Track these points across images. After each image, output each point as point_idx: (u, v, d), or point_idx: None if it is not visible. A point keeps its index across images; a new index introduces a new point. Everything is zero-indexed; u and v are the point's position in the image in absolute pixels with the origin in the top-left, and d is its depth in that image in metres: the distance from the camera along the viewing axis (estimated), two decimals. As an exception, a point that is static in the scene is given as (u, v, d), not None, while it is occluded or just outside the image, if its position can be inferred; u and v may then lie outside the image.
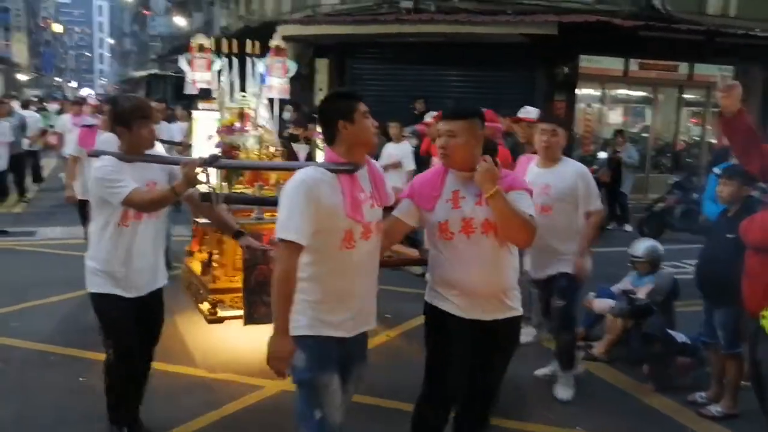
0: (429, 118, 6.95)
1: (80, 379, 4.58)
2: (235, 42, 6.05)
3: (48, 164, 15.38)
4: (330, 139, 2.85)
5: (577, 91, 14.71)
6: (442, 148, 3.03)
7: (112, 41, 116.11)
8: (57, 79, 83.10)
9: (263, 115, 5.94)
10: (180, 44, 30.93)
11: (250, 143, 5.42)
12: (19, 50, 51.01)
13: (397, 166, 7.97)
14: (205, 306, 5.15)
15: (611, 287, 5.61)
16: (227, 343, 5.30)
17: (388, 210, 3.08)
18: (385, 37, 14.32)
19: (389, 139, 8.37)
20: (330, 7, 15.89)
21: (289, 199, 2.71)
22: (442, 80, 14.51)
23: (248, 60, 6.07)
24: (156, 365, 4.61)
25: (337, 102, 2.89)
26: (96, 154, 3.55)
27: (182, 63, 6.28)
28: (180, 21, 38.72)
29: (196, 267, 5.65)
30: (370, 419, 4.12)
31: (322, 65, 16.08)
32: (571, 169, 4.40)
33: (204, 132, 5.41)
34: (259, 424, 4.11)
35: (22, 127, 12.25)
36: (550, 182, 4.32)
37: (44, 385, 4.47)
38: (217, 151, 4.97)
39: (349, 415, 3.00)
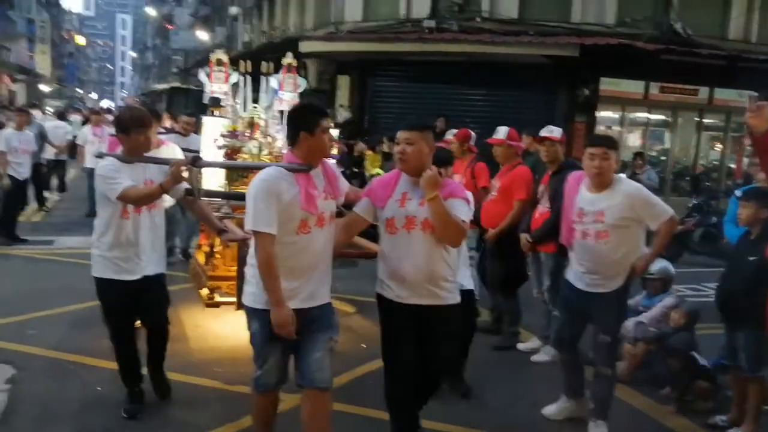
0: (450, 135, 6.92)
1: (98, 388, 4.56)
2: (249, 61, 6.68)
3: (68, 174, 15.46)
4: (292, 143, 3.41)
5: (597, 113, 14.66)
6: (400, 154, 3.52)
7: (134, 54, 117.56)
8: (79, 90, 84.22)
9: (274, 126, 6.44)
10: (202, 58, 31.26)
11: (251, 148, 5.97)
12: (43, 61, 51.72)
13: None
14: (205, 291, 5.93)
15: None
16: (245, 355, 5.24)
17: (348, 208, 3.67)
18: (407, 56, 14.39)
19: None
20: (353, 24, 15.98)
21: (254, 195, 3.25)
22: (462, 99, 14.54)
23: (262, 77, 6.72)
24: (174, 376, 4.68)
25: (304, 114, 3.41)
26: (101, 156, 4.26)
27: (202, 75, 6.97)
28: (202, 36, 39.13)
29: (201, 258, 6.50)
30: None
31: (343, 82, 16.18)
32: (623, 190, 4.03)
33: (211, 135, 6.00)
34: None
35: (41, 136, 12.39)
36: (603, 208, 4.01)
37: (62, 394, 4.45)
38: (221, 152, 5.75)
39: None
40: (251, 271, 3.36)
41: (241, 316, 3.64)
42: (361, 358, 5.36)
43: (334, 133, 6.59)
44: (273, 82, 6.78)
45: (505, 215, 5.76)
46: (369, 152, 9.41)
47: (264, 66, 6.66)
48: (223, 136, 6.04)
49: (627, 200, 3.99)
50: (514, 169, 5.88)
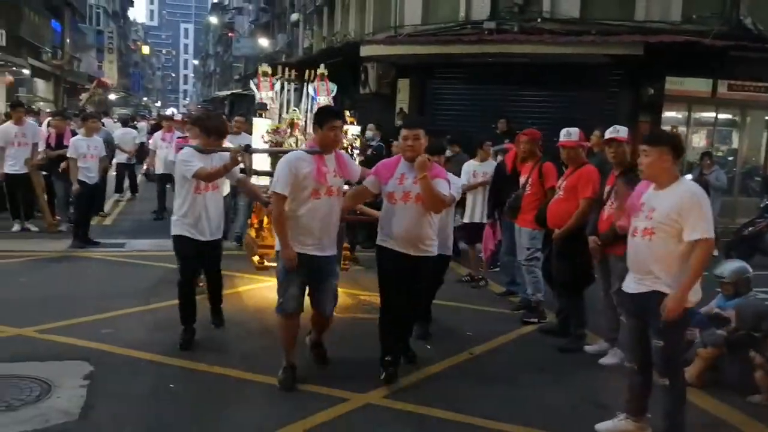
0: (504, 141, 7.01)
1: (170, 385, 4.68)
2: (292, 71, 8.14)
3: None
4: (315, 132, 4.85)
5: (661, 113, 14.28)
6: (410, 146, 4.74)
7: (196, 62, 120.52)
8: (144, 98, 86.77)
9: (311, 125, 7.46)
10: (262, 64, 31.77)
11: (291, 143, 7.29)
12: (111, 71, 53.58)
13: (485, 183, 7.88)
14: (256, 258, 7.29)
15: (699, 310, 5.36)
16: (308, 352, 5.34)
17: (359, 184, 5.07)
18: (467, 58, 14.33)
19: (472, 156, 8.31)
20: (412, 28, 16.01)
21: (279, 168, 4.72)
22: (522, 100, 14.39)
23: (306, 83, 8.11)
24: (241, 374, 4.84)
25: (320, 114, 4.91)
26: (181, 147, 5.95)
27: (252, 85, 8.35)
28: (263, 42, 39.81)
29: (253, 232, 7.89)
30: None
31: (403, 85, 16.22)
32: (679, 191, 3.90)
33: (259, 132, 7.52)
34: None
35: (108, 144, 12.81)
36: (655, 205, 3.93)
37: (136, 391, 4.58)
38: (267, 145, 7.19)
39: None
40: None
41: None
42: (428, 359, 5.38)
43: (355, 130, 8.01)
44: (310, 88, 8.11)
45: (571, 214, 5.67)
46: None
47: (306, 74, 7.96)
48: (267, 133, 7.44)
49: (679, 200, 3.83)
50: (580, 168, 5.81)
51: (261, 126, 7.65)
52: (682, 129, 15.22)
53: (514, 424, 4.29)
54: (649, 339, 3.96)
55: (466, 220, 8.17)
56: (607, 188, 5.36)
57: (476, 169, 8.06)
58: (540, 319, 6.52)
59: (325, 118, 4.74)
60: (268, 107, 7.90)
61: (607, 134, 5.40)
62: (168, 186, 10.89)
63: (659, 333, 3.88)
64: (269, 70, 8.16)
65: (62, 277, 7.77)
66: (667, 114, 14.68)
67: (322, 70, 8.18)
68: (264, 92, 8.02)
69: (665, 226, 3.84)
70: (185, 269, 5.60)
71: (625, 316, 4.30)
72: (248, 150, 5.56)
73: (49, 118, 12.11)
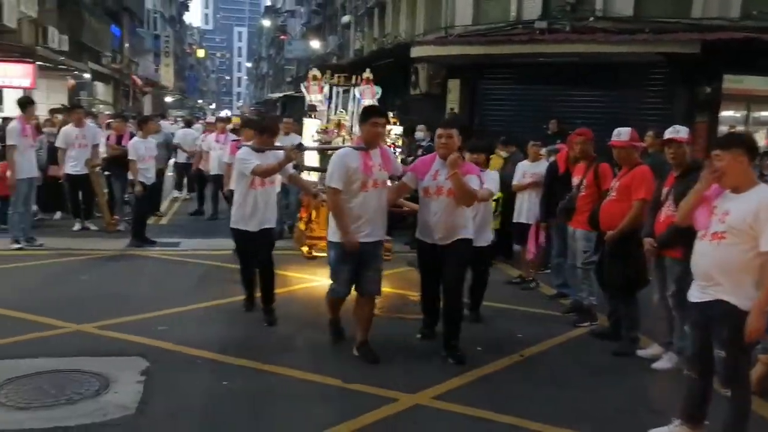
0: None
1: (224, 383, 4.76)
2: (340, 76, 9.06)
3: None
4: (360, 129, 5.49)
5: (719, 112, 13.87)
6: (443, 144, 5.26)
7: (249, 65, 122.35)
8: (199, 101, 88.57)
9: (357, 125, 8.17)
10: (314, 66, 32.13)
11: (338, 142, 7.93)
12: (167, 74, 54.85)
13: (536, 185, 7.81)
14: (305, 248, 8.19)
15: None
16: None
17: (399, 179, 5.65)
18: (517, 57, 14.21)
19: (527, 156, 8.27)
20: (463, 28, 15.95)
21: (332, 163, 5.23)
22: (574, 100, 14.20)
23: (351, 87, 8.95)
24: (291, 372, 4.92)
25: (365, 111, 5.60)
26: (239, 147, 6.58)
27: (302, 88, 9.18)
28: (315, 44, 40.18)
29: (302, 225, 8.76)
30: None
31: (454, 85, 16.18)
32: (758, 196, 3.68)
33: (309, 132, 8.33)
34: (394, 438, 4.10)
35: (166, 146, 13.16)
36: (730, 208, 3.73)
37: (191, 387, 4.68)
38: (316, 144, 7.87)
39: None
40: (330, 217, 5.26)
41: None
42: (477, 361, 5.35)
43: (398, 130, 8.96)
44: (357, 91, 8.78)
45: (624, 215, 5.56)
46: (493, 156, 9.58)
47: (353, 79, 8.76)
48: (317, 132, 8.18)
49: (756, 206, 3.63)
50: (634, 168, 5.69)
51: (311, 126, 8.36)
52: (740, 128, 14.75)
53: (564, 428, 4.23)
54: (711, 348, 3.81)
55: (514, 220, 8.13)
56: (664, 190, 5.20)
57: (526, 170, 8.01)
58: (592, 322, 6.42)
59: (368, 115, 5.31)
60: (317, 109, 8.53)
61: (667, 134, 5.21)
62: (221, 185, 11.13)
63: (723, 343, 3.73)
64: (319, 74, 8.84)
65: (120, 275, 8.00)
66: (725, 113, 14.25)
67: (368, 74, 8.91)
68: (313, 95, 8.66)
69: (737, 231, 3.65)
70: (243, 256, 6.38)
71: (689, 325, 4.15)
72: (300, 148, 6.36)
73: (110, 120, 12.52)
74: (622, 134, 5.74)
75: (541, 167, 7.86)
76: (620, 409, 4.61)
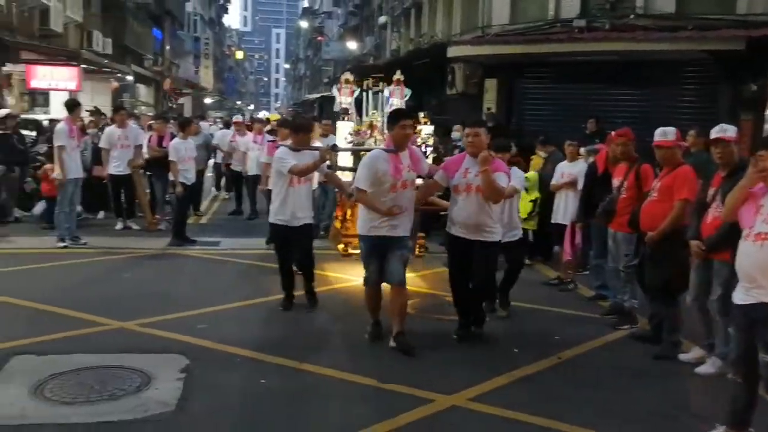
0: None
1: (262, 381, 4.82)
2: (370, 79, 9.34)
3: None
4: (389, 132, 5.79)
5: (765, 110, 13.49)
6: (471, 143, 5.52)
7: (287, 66, 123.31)
8: (237, 102, 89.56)
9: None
10: (351, 67, 32.23)
11: (371, 143, 8.25)
12: (207, 76, 55.66)
13: (573, 185, 7.74)
14: (341, 246, 8.54)
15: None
16: (398, 354, 5.41)
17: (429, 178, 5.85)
18: (555, 56, 14.04)
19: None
20: (500, 28, 15.84)
21: (361, 165, 5.59)
22: (613, 99, 13.97)
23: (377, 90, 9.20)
24: (328, 371, 4.95)
25: (392, 114, 5.90)
26: (276, 147, 6.92)
27: (334, 91, 9.61)
28: (352, 45, 40.30)
29: (338, 223, 9.25)
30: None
31: (491, 85, 16.08)
32: None
33: (342, 134, 8.74)
34: (429, 438, 4.09)
35: (205, 147, 13.35)
36: None
37: (230, 385, 4.73)
38: (350, 145, 8.23)
39: None
40: (359, 213, 5.68)
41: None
42: (514, 362, 5.33)
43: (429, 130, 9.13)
44: (386, 92, 9.08)
45: (666, 216, 5.43)
46: (533, 156, 9.47)
47: (387, 81, 9.18)
48: (350, 134, 8.56)
49: None
50: (677, 168, 5.56)
51: (344, 128, 8.84)
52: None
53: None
54: (756, 352, 3.73)
55: (552, 220, 8.08)
56: (711, 190, 5.04)
57: (564, 170, 7.95)
58: (632, 325, 6.31)
59: (397, 118, 5.57)
60: (348, 111, 8.97)
61: (714, 133, 5.00)
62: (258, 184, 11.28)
63: (767, 347, 3.65)
64: (351, 78, 9.31)
65: (161, 273, 8.15)
66: (772, 111, 13.87)
67: (398, 75, 9.24)
68: (344, 97, 9.06)
69: None
70: (281, 251, 6.65)
71: (734, 328, 4.06)
72: (334, 149, 6.90)
73: (151, 122, 12.75)
74: (668, 134, 5.61)
75: (579, 167, 7.77)
76: (661, 414, 4.52)
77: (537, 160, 9.34)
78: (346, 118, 8.96)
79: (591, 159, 7.66)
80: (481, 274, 5.61)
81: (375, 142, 8.35)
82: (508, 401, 4.55)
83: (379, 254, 5.49)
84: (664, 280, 5.50)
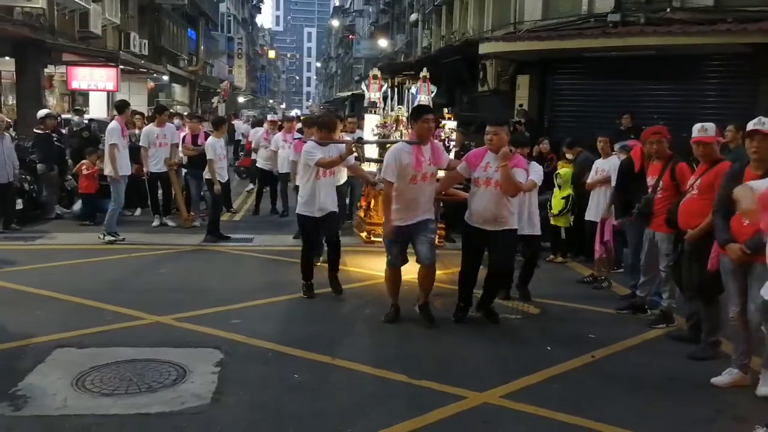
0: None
1: (295, 376, 4.86)
2: (396, 77, 9.50)
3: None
4: (412, 126, 6.19)
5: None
6: (490, 141, 5.81)
7: (318, 65, 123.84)
8: (270, 100, 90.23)
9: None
10: (382, 65, 32.27)
11: (396, 136, 8.74)
12: (240, 75, 56.18)
13: (606, 181, 7.66)
14: (364, 234, 9.14)
15: None
16: (429, 350, 5.43)
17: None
18: (589, 52, 13.85)
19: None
20: (532, 23, 15.71)
21: (387, 157, 5.97)
22: (649, 95, 13.73)
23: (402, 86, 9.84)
24: (359, 367, 4.99)
25: (415, 109, 6.35)
26: (304, 141, 7.36)
27: (363, 86, 10.19)
28: (383, 43, 40.31)
29: (362, 213, 9.73)
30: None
31: (523, 81, 15.95)
32: None
33: (369, 127, 9.31)
34: (460, 435, 4.08)
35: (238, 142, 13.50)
36: None
37: (264, 379, 4.80)
38: (376, 138, 8.82)
39: None
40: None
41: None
42: (547, 360, 5.29)
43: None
44: (413, 88, 9.53)
45: (706, 214, 5.25)
46: (561, 165, 9.00)
47: (407, 81, 9.55)
48: (376, 127, 9.11)
49: None
50: (716, 165, 5.41)
51: (371, 121, 9.31)
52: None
53: None
54: None
55: (586, 217, 8.00)
56: None
57: (598, 167, 7.87)
58: (668, 324, 6.21)
59: (419, 113, 5.95)
60: (376, 105, 9.48)
61: (750, 125, 4.78)
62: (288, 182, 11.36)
63: None
64: (379, 74, 9.86)
65: (196, 269, 8.27)
66: (814, 106, 13.52)
67: (424, 73, 9.65)
68: (373, 93, 9.59)
69: None
70: (306, 239, 6.99)
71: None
72: (360, 141, 7.35)
73: (183, 120, 12.92)
74: (708, 130, 5.45)
75: (611, 163, 7.67)
76: (701, 416, 4.42)
77: (564, 167, 8.91)
78: (374, 111, 9.50)
79: (623, 156, 7.51)
80: (501, 258, 5.96)
81: (401, 135, 8.76)
82: (541, 399, 4.52)
83: (401, 241, 5.94)
84: (703, 279, 5.34)
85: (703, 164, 5.53)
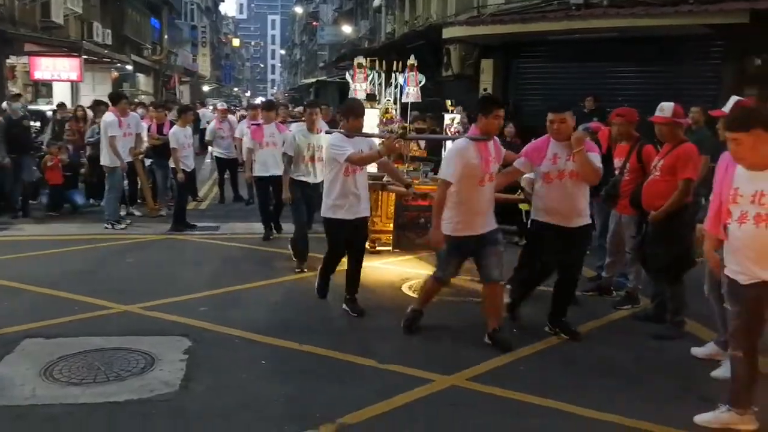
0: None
1: (262, 362, 4.88)
2: (384, 61, 8.74)
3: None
4: (475, 121, 5.25)
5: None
6: (557, 130, 5.13)
7: (282, 52, 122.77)
8: (235, 89, 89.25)
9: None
10: (346, 51, 32.14)
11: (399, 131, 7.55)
12: (204, 63, 55.42)
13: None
14: (368, 243, 7.43)
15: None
16: (396, 335, 5.45)
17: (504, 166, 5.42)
18: (553, 35, 13.92)
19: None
20: (495, 7, 15.73)
21: (448, 156, 5.25)
22: (613, 77, 13.86)
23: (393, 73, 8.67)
24: (327, 352, 5.00)
25: (486, 102, 5.33)
26: (329, 132, 6.50)
27: (347, 76, 8.73)
28: (347, 30, 40.11)
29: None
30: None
31: (487, 65, 15.99)
32: None
33: (371, 121, 7.84)
34: (428, 417, 4.10)
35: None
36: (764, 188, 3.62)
37: (231, 366, 4.80)
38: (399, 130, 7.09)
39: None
40: (445, 212, 5.06)
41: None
42: (513, 343, 5.28)
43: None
44: (400, 78, 8.63)
45: (669, 195, 5.35)
46: None
47: (394, 65, 8.60)
48: (382, 122, 8.15)
49: None
50: (679, 146, 5.46)
51: (371, 115, 8.09)
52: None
53: (605, 412, 4.14)
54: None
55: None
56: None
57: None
58: (634, 305, 6.26)
59: (490, 106, 5.08)
60: (375, 98, 8.45)
61: (717, 111, 4.93)
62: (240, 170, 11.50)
63: None
64: (364, 62, 8.53)
65: (163, 258, 8.21)
66: (777, 86, 13.71)
67: (412, 60, 8.67)
68: (358, 83, 8.51)
69: None
70: (336, 247, 6.06)
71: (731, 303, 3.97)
72: (403, 137, 6.22)
73: (147, 109, 12.74)
74: (665, 110, 5.52)
75: None
76: (666, 395, 4.48)
77: None
78: (371, 105, 8.27)
79: (587, 138, 7.51)
80: (578, 258, 5.42)
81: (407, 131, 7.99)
82: (509, 382, 4.56)
83: (461, 256, 5.26)
84: (667, 259, 5.43)
85: (667, 145, 5.58)
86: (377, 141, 6.14)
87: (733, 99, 4.95)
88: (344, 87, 9.24)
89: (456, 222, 5.05)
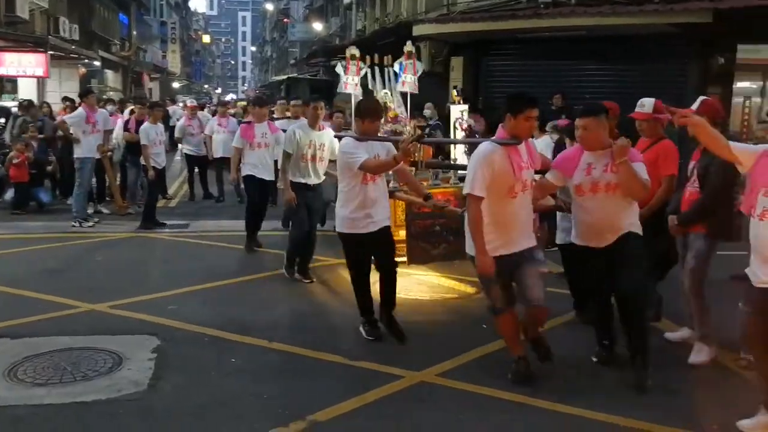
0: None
1: (232, 360, 4.85)
2: (376, 54, 8.03)
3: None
4: (502, 122, 4.41)
5: (733, 83, 13.64)
6: (581, 138, 4.45)
7: (253, 49, 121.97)
8: (205, 86, 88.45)
9: (399, 108, 7.77)
10: (317, 48, 32.06)
11: (406, 129, 7.43)
12: (174, 60, 54.81)
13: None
14: None
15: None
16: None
17: (540, 173, 4.68)
18: (522, 33, 14.05)
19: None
20: (465, 5, 15.81)
21: (474, 165, 4.31)
22: (581, 75, 14.06)
23: (382, 67, 7.97)
24: (297, 350, 4.99)
25: (516, 100, 4.41)
26: (339, 137, 5.81)
27: (339, 68, 7.77)
28: (317, 27, 40.02)
29: None
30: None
31: (457, 63, 16.07)
32: None
33: None
34: (396, 413, 4.11)
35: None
36: None
37: (200, 364, 4.76)
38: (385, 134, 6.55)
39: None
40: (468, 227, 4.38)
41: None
42: (483, 339, 5.27)
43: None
44: (396, 66, 7.87)
45: (652, 192, 5.15)
46: None
47: (386, 59, 8.00)
48: (387, 122, 7.37)
49: None
50: (658, 143, 5.35)
51: None
52: (756, 100, 14.52)
53: (573, 406, 4.16)
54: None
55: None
56: (691, 164, 4.98)
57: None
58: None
59: (521, 106, 4.32)
60: (356, 91, 7.66)
61: (694, 107, 4.82)
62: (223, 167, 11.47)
63: None
64: (357, 54, 7.70)
65: (132, 256, 8.12)
66: (740, 84, 13.92)
67: (409, 48, 8.06)
68: (350, 76, 7.63)
69: None
70: (356, 265, 5.29)
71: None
72: (420, 140, 5.42)
73: (132, 107, 12.57)
74: (645, 106, 5.41)
75: (543, 143, 7.68)
76: (632, 389, 4.46)
77: None
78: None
79: (555, 135, 7.57)
80: (630, 277, 4.38)
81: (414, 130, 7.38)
82: (478, 377, 4.57)
83: (504, 277, 4.43)
84: (653, 257, 5.21)
85: (644, 141, 5.45)
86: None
87: (701, 99, 4.97)
88: (315, 84, 8.95)
89: (487, 241, 4.30)
